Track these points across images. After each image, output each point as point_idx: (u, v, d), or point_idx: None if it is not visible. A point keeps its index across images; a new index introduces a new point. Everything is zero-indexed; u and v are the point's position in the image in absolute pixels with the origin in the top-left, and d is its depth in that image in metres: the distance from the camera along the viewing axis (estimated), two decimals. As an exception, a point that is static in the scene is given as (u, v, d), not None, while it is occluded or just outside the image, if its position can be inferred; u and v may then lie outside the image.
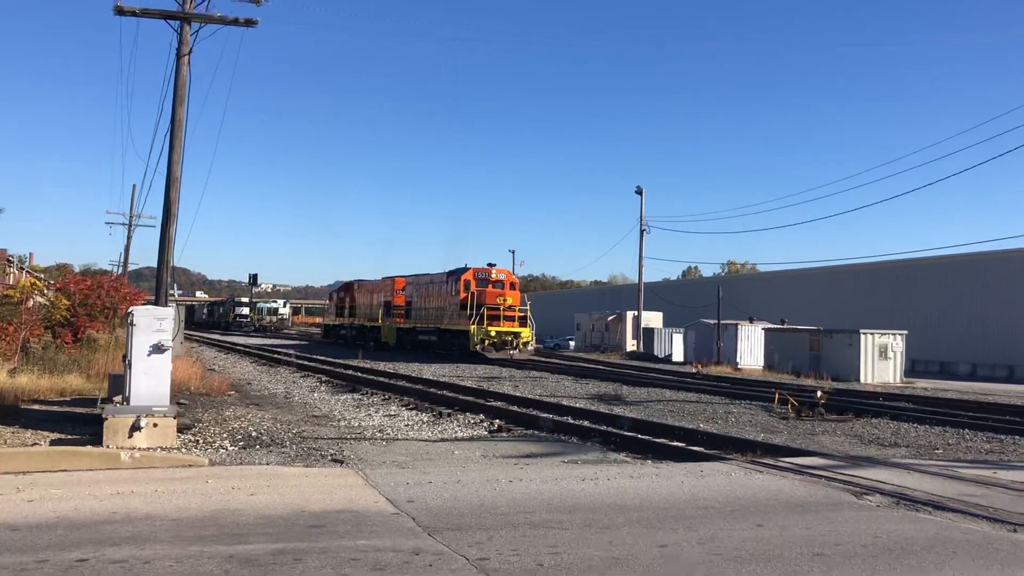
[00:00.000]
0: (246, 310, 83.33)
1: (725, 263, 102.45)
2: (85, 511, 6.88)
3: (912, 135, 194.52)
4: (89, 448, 9.77)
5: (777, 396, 19.06)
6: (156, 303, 14.74)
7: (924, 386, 30.82)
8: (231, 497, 7.59)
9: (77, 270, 58.44)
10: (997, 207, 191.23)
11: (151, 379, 10.60)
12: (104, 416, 10.30)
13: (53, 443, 10.53)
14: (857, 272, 50.07)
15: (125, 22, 17.49)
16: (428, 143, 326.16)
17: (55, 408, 13.94)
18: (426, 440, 12.84)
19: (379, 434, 13.28)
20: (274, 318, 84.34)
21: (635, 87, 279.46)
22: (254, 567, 5.45)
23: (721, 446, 12.16)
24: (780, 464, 10.14)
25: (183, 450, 10.45)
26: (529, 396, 19.79)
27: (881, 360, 32.83)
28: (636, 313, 51.95)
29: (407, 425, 14.59)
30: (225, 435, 11.97)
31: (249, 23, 15.86)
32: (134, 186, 62.40)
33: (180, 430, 11.21)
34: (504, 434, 13.80)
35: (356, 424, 14.54)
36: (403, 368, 29.73)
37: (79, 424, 12.12)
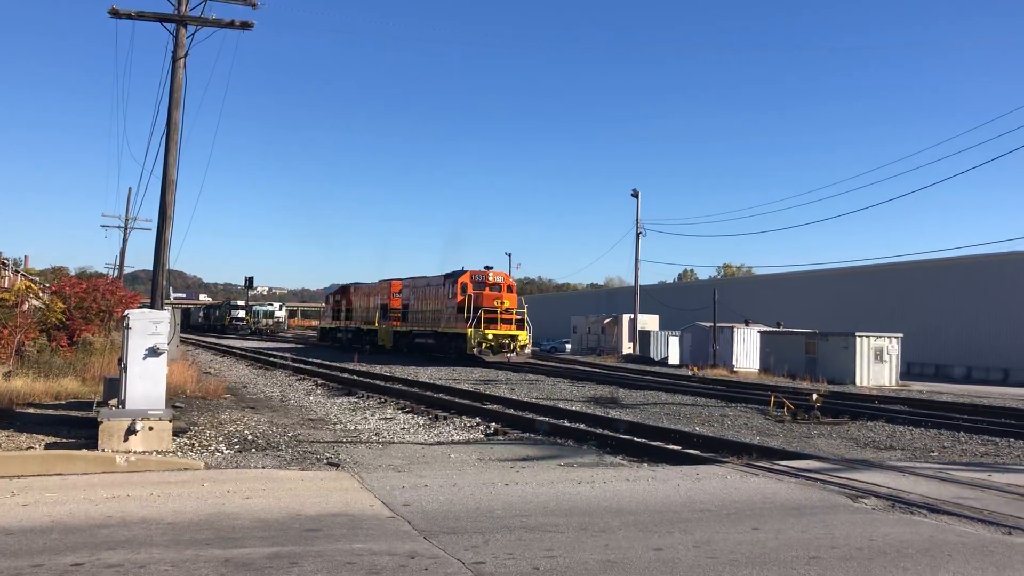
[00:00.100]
0: (242, 313, 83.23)
1: (721, 266, 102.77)
2: (80, 515, 6.87)
3: (910, 137, 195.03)
4: (84, 452, 9.75)
5: (773, 399, 19.08)
6: (152, 306, 14.73)
7: (920, 389, 30.89)
8: (227, 501, 7.57)
9: (73, 273, 58.36)
10: (993, 210, 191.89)
11: (147, 382, 10.58)
12: (99, 419, 10.28)
13: (48, 447, 10.51)
14: (853, 275, 50.17)
15: (120, 25, 17.51)
16: (425, 146, 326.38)
17: (50, 412, 13.90)
18: (422, 443, 12.83)
19: (375, 437, 13.27)
20: (270, 321, 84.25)
21: (631, 90, 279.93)
22: (250, 571, 5.44)
23: (717, 449, 12.18)
24: (776, 467, 10.15)
25: (179, 454, 10.44)
26: (525, 399, 19.79)
27: (877, 363, 32.90)
28: (632, 316, 52.00)
29: (403, 428, 14.58)
30: (221, 438, 11.95)
31: (245, 26, 15.87)
32: (130, 189, 62.44)
33: (176, 433, 11.20)
34: (500, 437, 13.80)
35: (352, 427, 14.52)
36: (399, 371, 29.71)
37: (74, 428, 12.09)
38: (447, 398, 19.13)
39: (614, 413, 17.29)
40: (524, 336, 36.55)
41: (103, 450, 9.94)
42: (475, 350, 34.78)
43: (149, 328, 10.67)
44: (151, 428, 10.34)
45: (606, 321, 55.42)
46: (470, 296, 36.14)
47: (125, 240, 53.89)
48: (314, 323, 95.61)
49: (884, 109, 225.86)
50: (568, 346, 59.15)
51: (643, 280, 53.82)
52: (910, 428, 16.19)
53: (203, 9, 15.83)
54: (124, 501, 7.43)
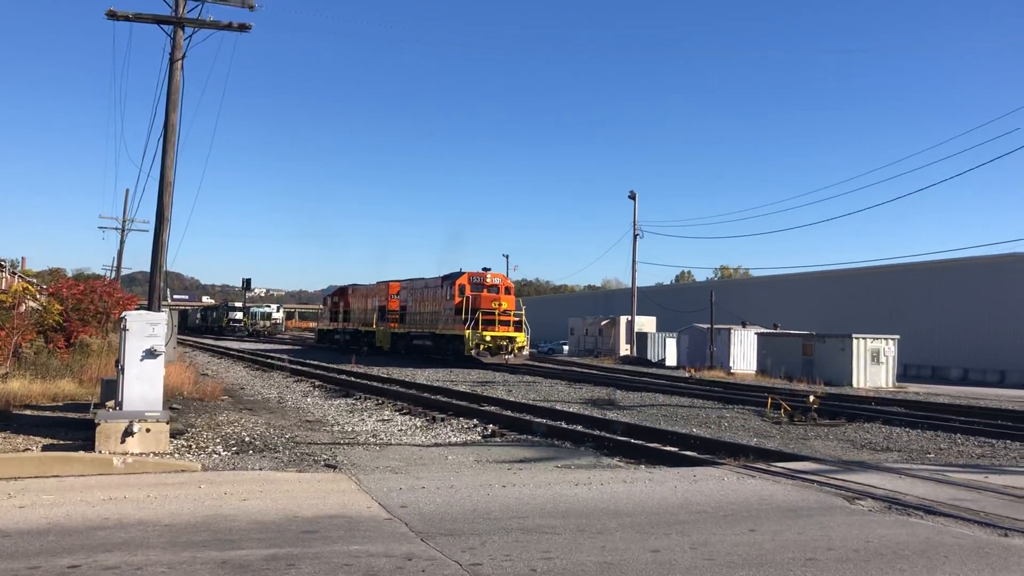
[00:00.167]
0: (239, 315, 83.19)
1: (718, 268, 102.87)
2: (77, 517, 6.87)
3: (906, 140, 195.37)
4: (81, 453, 9.75)
5: (770, 401, 19.11)
6: (149, 308, 14.72)
7: (916, 390, 30.94)
8: (224, 502, 7.57)
9: (70, 275, 58.28)
10: (990, 213, 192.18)
11: (144, 384, 10.57)
12: (96, 421, 10.27)
13: (45, 448, 10.50)
14: (850, 277, 50.26)
15: (118, 27, 17.48)
16: (423, 147, 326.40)
17: (47, 413, 13.89)
18: (419, 445, 12.83)
19: (372, 439, 13.27)
20: (268, 323, 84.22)
21: (629, 92, 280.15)
22: (246, 573, 5.44)
23: (714, 451, 12.19)
24: (773, 469, 10.17)
25: (176, 455, 10.43)
26: (523, 401, 19.80)
27: (873, 365, 32.96)
28: (629, 318, 52.03)
29: (400, 430, 14.58)
30: (218, 440, 11.95)
31: (243, 28, 15.87)
32: (127, 191, 62.40)
33: (173, 435, 11.19)
34: (498, 439, 13.80)
35: (349, 429, 14.52)
36: (397, 373, 29.70)
37: (71, 429, 12.08)
38: (444, 400, 19.13)
39: (611, 415, 17.29)
40: (522, 338, 36.55)
41: (100, 452, 9.93)
42: (473, 352, 34.77)
43: (146, 330, 10.66)
44: (148, 430, 10.34)
45: (603, 323, 55.45)
46: (468, 298, 36.13)
47: (122, 242, 53.74)
48: (312, 325, 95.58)
49: (881, 112, 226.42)
50: (565, 348, 59.17)
51: (640, 282, 53.88)
52: (907, 430, 16.22)
53: (201, 11, 15.83)
54: (121, 503, 7.43)
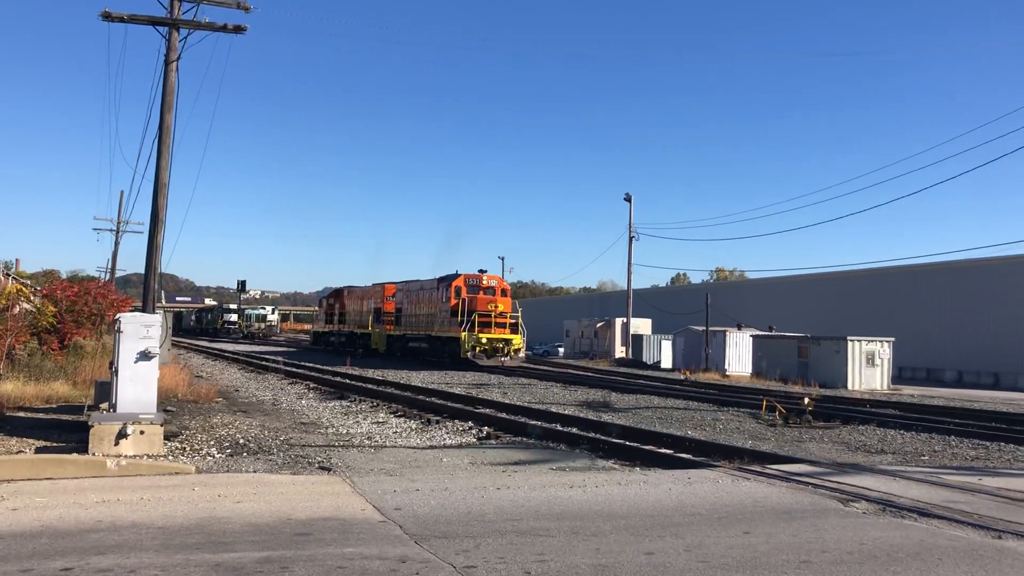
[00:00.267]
0: (234, 317, 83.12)
1: (714, 270, 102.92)
2: (70, 519, 6.84)
3: (901, 143, 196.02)
4: (75, 456, 9.72)
5: (765, 403, 19.13)
6: (144, 309, 14.69)
7: (911, 393, 31.00)
8: (217, 505, 7.55)
9: (64, 276, 58.05)
10: (986, 215, 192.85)
11: (138, 386, 10.55)
12: (90, 423, 10.23)
13: (38, 451, 10.47)
14: (845, 279, 50.36)
15: (113, 28, 17.48)
16: (419, 149, 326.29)
17: (41, 415, 13.85)
18: (414, 447, 12.82)
19: (367, 441, 13.26)
20: (262, 325, 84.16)
21: (625, 94, 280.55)
22: (240, 575, 5.43)
23: (709, 453, 12.19)
24: (767, 471, 10.18)
25: (170, 458, 10.40)
26: (518, 403, 19.80)
27: (868, 367, 33.02)
28: (625, 320, 52.08)
29: (395, 432, 14.57)
30: (212, 442, 11.93)
31: (238, 30, 15.87)
32: (122, 192, 62.25)
33: (167, 437, 11.16)
34: (492, 441, 13.80)
35: (344, 431, 14.50)
36: (392, 375, 29.68)
37: (65, 431, 12.04)
38: (440, 402, 19.12)
39: (606, 417, 17.30)
40: (518, 340, 36.53)
41: (93, 454, 9.90)
42: (469, 354, 34.74)
43: (140, 332, 10.64)
44: (142, 432, 10.31)
45: (599, 325, 55.50)
46: (464, 300, 36.10)
47: (117, 243, 53.66)
48: (307, 327, 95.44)
49: (875, 116, 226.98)
50: (561, 350, 59.20)
51: (636, 284, 53.96)
52: (901, 432, 16.25)
53: (196, 12, 15.84)
54: (114, 505, 7.41)
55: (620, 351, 51.61)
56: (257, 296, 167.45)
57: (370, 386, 23.51)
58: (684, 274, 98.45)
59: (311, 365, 33.24)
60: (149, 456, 10.17)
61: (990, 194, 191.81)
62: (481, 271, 38.41)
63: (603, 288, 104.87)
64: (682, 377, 33.83)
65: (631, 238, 51.39)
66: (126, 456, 9.89)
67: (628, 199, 51.39)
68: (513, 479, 9.53)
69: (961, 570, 5.99)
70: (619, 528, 7.06)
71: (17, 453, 10.26)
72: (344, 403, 19.62)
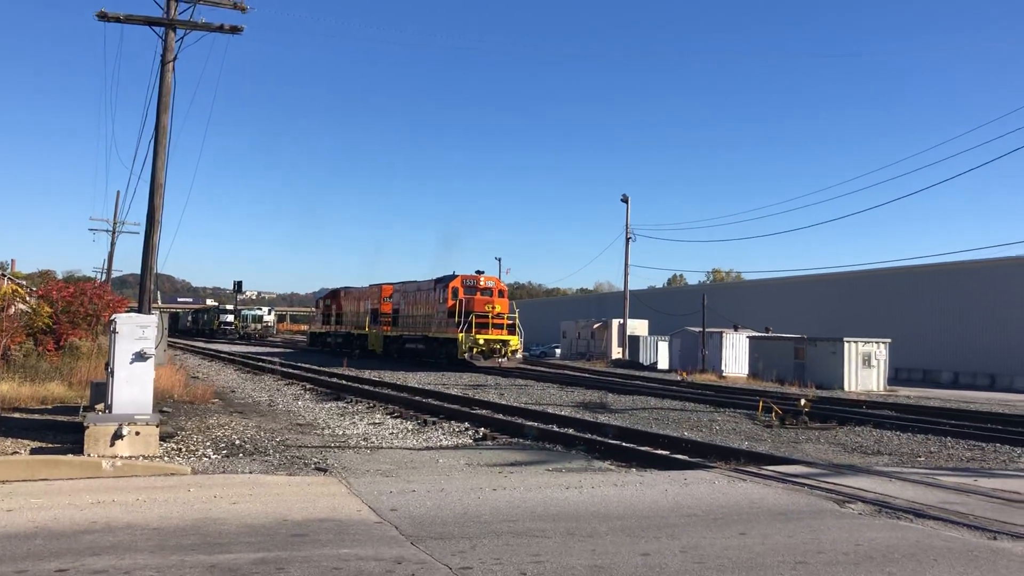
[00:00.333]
0: (231, 317, 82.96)
1: (710, 271, 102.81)
2: (65, 520, 6.83)
3: (896, 145, 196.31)
4: (70, 457, 9.70)
5: (761, 404, 19.15)
6: (139, 310, 14.67)
7: (907, 394, 31.04)
8: (213, 506, 7.54)
9: (60, 277, 58.04)
10: (981, 217, 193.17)
11: (133, 387, 10.53)
12: (85, 424, 10.21)
13: (33, 452, 10.45)
14: (841, 280, 50.44)
15: (109, 28, 17.46)
16: (415, 151, 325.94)
17: (36, 416, 13.82)
18: (410, 448, 12.81)
19: (363, 442, 13.24)
20: (259, 325, 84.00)
21: (622, 95, 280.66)
22: (235, 577, 5.42)
23: (705, 454, 12.19)
24: (763, 472, 10.18)
25: (165, 458, 10.39)
26: (515, 404, 19.80)
27: (865, 368, 33.06)
28: (622, 321, 52.08)
29: (392, 433, 14.56)
30: (208, 443, 11.91)
31: (235, 30, 15.85)
32: (118, 193, 62.05)
33: (163, 438, 11.14)
34: (489, 442, 13.79)
35: (340, 432, 14.49)
36: (389, 376, 29.66)
37: (60, 432, 12.02)
38: (436, 403, 19.11)
39: (603, 418, 17.31)
40: (516, 341, 36.52)
41: (89, 455, 9.88)
42: (466, 355, 34.72)
43: (136, 332, 10.62)
44: (138, 433, 10.29)
45: (596, 326, 55.51)
46: (461, 301, 36.06)
47: (113, 244, 53.66)
48: (304, 328, 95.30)
49: (871, 118, 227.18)
50: (557, 351, 59.20)
51: (633, 285, 53.96)
52: (897, 433, 16.27)
53: (192, 13, 15.82)
54: (109, 506, 7.39)
55: (617, 352, 51.62)
56: (253, 297, 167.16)
57: (367, 387, 23.49)
58: (681, 275, 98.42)
59: (307, 366, 33.20)
60: (145, 457, 10.15)
61: (989, 195, 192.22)
62: (478, 272, 38.40)
63: (600, 289, 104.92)
64: (679, 378, 33.85)
65: (628, 239, 51.41)
66: (122, 457, 9.87)
67: (625, 200, 51.42)
68: (509, 480, 9.53)
69: (956, 571, 6.00)
70: (615, 529, 7.06)
71: (12, 454, 10.24)
72: (340, 404, 19.61)
